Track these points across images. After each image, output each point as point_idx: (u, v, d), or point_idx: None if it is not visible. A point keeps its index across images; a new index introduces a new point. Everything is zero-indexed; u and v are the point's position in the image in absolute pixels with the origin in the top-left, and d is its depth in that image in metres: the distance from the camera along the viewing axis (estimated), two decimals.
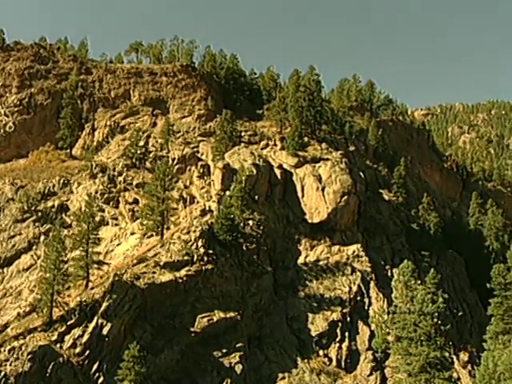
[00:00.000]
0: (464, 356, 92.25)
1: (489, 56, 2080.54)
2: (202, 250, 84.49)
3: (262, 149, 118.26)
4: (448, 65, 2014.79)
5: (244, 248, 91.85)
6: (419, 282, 77.13)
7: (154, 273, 79.00)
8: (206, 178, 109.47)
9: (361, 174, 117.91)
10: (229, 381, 72.44)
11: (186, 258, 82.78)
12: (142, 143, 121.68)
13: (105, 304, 71.47)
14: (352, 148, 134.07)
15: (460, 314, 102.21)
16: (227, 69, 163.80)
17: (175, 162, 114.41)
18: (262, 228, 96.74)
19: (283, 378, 77.09)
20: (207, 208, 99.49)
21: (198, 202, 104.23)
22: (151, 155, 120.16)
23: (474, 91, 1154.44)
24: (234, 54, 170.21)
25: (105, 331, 69.64)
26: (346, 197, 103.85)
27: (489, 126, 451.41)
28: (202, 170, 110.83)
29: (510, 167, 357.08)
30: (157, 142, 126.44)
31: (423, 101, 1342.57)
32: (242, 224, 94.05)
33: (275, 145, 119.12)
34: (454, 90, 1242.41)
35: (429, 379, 65.70)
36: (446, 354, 69.22)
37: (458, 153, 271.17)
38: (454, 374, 75.44)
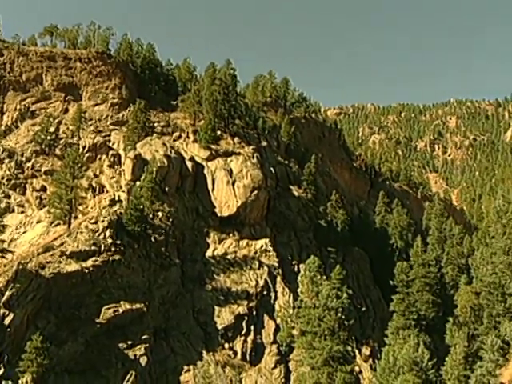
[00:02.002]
0: (366, 350, 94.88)
1: (401, 59, 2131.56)
2: (109, 241, 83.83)
3: (174, 140, 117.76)
4: (362, 66, 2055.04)
5: (152, 239, 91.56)
6: (325, 277, 78.24)
7: (59, 262, 77.85)
8: (116, 167, 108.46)
9: (272, 169, 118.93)
10: (133, 373, 72.16)
11: (93, 248, 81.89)
12: (52, 129, 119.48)
13: (7, 293, 69.98)
14: (264, 143, 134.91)
15: (363, 309, 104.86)
16: (143, 58, 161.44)
17: (86, 149, 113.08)
18: (171, 220, 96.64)
19: (188, 370, 77.55)
20: (117, 198, 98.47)
21: (107, 192, 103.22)
22: (61, 142, 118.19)
23: (386, 93, 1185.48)
24: (151, 44, 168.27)
25: (7, 321, 68.28)
26: (255, 191, 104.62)
27: (398, 127, 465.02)
28: (112, 160, 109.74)
29: (417, 169, 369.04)
30: (68, 128, 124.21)
31: (336, 100, 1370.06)
32: (151, 215, 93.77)
33: (188, 137, 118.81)
34: (367, 91, 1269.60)
35: (331, 372, 66.93)
36: (349, 348, 70.72)
37: (368, 153, 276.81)
38: (356, 368, 77.71)
